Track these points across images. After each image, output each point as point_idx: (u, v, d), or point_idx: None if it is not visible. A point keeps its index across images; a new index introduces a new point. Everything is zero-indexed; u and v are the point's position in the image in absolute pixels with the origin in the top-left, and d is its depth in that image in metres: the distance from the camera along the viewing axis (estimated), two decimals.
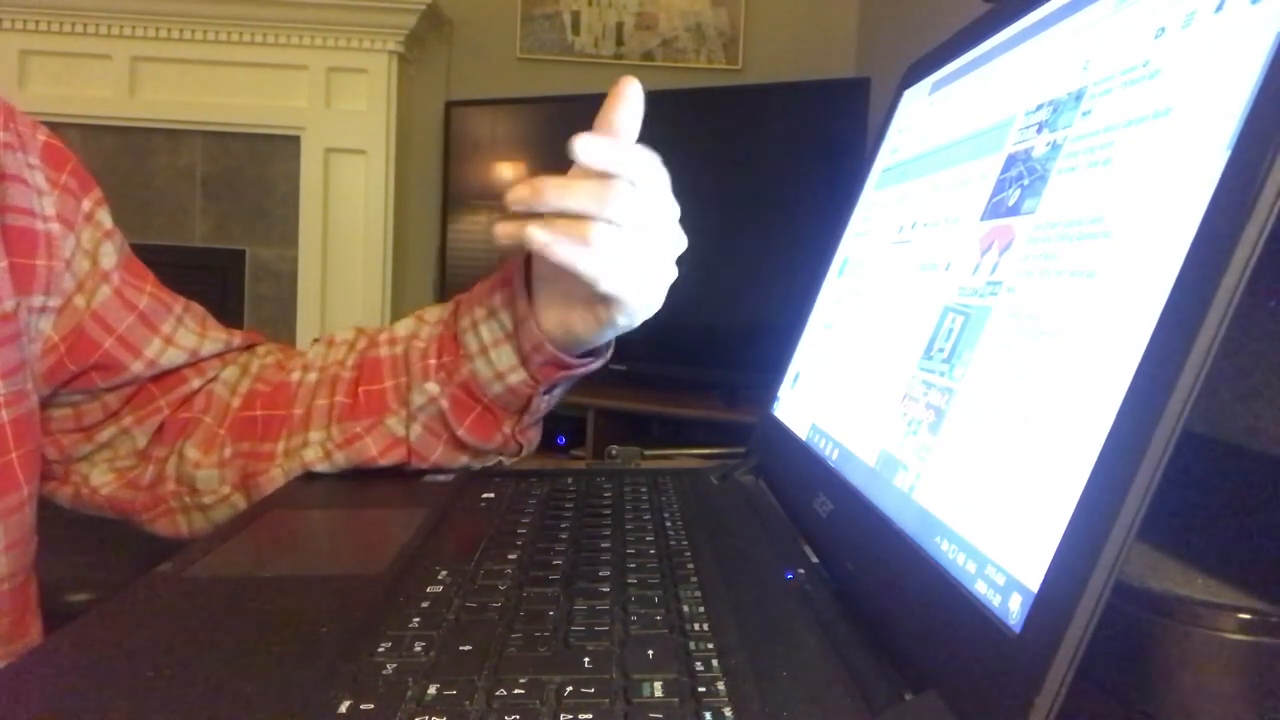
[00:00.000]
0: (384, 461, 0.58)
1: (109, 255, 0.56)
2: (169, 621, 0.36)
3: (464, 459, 0.60)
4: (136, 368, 0.56)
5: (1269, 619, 0.30)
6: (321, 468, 0.58)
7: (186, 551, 0.44)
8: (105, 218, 0.57)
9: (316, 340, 0.63)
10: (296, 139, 2.61)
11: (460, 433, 0.57)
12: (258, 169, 2.65)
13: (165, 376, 0.59)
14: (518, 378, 0.56)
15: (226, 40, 2.55)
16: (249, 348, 0.63)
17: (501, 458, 0.61)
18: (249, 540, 0.47)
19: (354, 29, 2.55)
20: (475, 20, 2.77)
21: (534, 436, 0.61)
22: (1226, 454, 0.40)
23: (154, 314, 0.58)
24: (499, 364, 0.56)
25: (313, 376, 0.59)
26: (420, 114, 2.72)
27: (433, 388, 0.56)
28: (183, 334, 0.59)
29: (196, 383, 0.60)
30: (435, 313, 0.60)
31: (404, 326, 0.61)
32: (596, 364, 0.58)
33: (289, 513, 0.53)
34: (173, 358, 0.58)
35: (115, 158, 2.60)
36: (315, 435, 0.57)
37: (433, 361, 0.57)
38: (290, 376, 0.60)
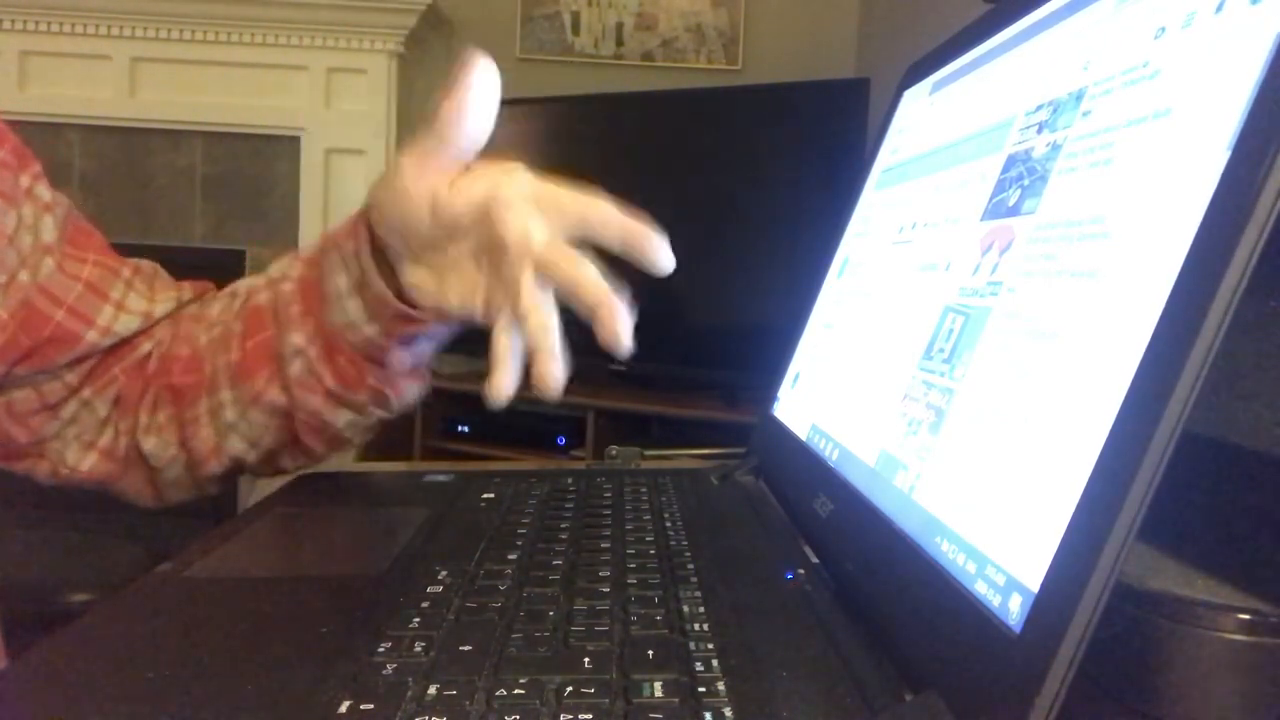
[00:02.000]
0: (300, 409, 0.56)
1: (49, 229, 0.56)
2: (169, 621, 0.36)
3: (345, 415, 0.56)
4: (92, 337, 0.56)
5: (1269, 619, 0.30)
6: (244, 433, 0.57)
7: (186, 552, 0.44)
8: (43, 191, 0.56)
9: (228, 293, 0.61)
10: (296, 139, 2.61)
11: (329, 383, 0.55)
12: (258, 169, 2.65)
13: (120, 346, 0.58)
14: (372, 330, 0.53)
15: (226, 40, 2.55)
16: (197, 299, 0.62)
17: (381, 413, 0.57)
18: (249, 540, 0.47)
19: (354, 29, 2.55)
20: (475, 20, 2.76)
21: (404, 390, 0.57)
22: (1226, 454, 0.40)
23: (102, 281, 0.57)
24: (352, 314, 0.53)
25: (217, 331, 0.58)
26: (420, 114, 2.72)
27: (298, 339, 0.54)
28: (134, 299, 0.58)
29: (147, 346, 0.59)
30: (308, 247, 0.58)
31: (278, 266, 0.58)
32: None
33: (289, 513, 0.53)
34: (127, 323, 0.57)
35: (115, 158, 2.59)
36: (226, 395, 0.56)
37: (296, 309, 0.55)
38: (200, 339, 0.59)
